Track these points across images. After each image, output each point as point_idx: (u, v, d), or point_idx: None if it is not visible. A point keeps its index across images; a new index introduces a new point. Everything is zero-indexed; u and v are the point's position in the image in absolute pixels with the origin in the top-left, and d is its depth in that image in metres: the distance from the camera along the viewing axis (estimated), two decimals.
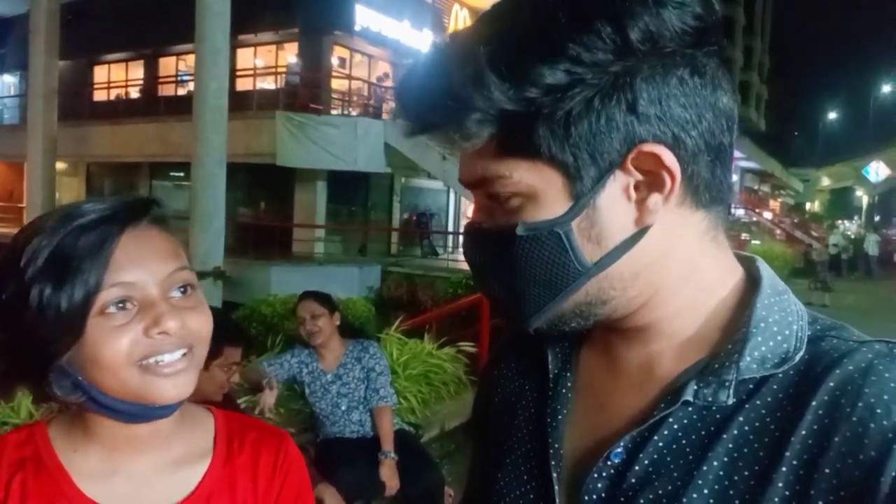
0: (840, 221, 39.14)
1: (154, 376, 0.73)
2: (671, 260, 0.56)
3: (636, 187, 0.54)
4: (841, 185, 48.11)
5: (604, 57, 0.50)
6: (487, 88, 0.51)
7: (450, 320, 6.54)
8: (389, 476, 3.00)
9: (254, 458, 0.87)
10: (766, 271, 0.59)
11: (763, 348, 0.54)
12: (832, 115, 58.50)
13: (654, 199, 0.53)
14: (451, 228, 19.62)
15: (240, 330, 2.74)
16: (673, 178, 0.53)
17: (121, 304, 0.72)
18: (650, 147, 0.52)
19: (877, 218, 42.07)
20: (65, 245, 0.70)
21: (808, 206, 51.07)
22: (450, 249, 17.46)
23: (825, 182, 49.64)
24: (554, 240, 0.54)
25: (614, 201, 0.54)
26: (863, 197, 46.30)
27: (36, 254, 0.70)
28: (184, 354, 0.75)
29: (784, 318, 0.56)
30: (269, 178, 15.25)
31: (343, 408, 3.16)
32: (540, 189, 0.54)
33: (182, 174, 15.69)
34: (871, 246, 21.17)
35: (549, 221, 0.54)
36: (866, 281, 19.78)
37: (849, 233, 29.89)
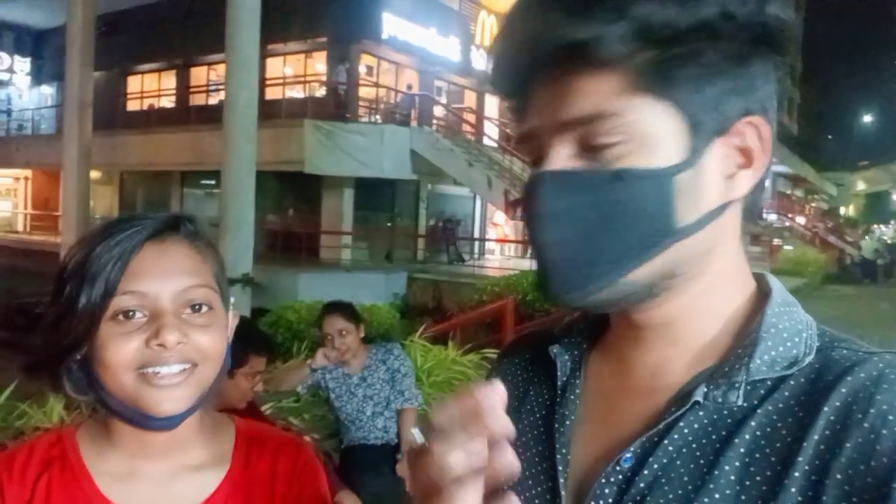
0: (876, 226, 38.28)
1: (148, 386, 0.76)
2: (720, 254, 0.58)
3: (732, 159, 0.55)
4: (876, 189, 47.06)
5: (745, 19, 0.52)
6: (653, 2, 0.50)
7: (474, 327, 6.54)
8: (406, 472, 2.98)
9: (272, 465, 0.89)
10: (775, 284, 0.60)
11: (773, 352, 0.55)
12: (867, 119, 57.34)
13: (745, 174, 0.55)
14: (476, 235, 19.60)
15: (266, 339, 2.78)
16: (766, 155, 0.55)
17: (130, 313, 0.76)
18: (757, 120, 0.54)
19: None
20: (94, 252, 0.77)
21: (842, 210, 50.07)
22: (476, 256, 17.44)
23: (860, 186, 48.60)
24: (657, 190, 0.53)
25: (714, 167, 0.55)
26: None
27: (75, 259, 0.78)
28: (183, 370, 0.77)
29: (794, 326, 0.56)
30: (297, 186, 15.41)
31: (368, 412, 3.17)
32: (658, 135, 0.53)
33: (213, 182, 15.90)
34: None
35: (657, 170, 0.53)
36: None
37: (885, 237, 29.19)
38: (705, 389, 0.55)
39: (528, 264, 13.37)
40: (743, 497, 0.50)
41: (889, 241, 26.09)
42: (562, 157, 0.56)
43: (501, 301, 6.23)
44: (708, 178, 0.54)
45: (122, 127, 18.33)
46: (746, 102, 0.53)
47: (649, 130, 0.53)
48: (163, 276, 0.78)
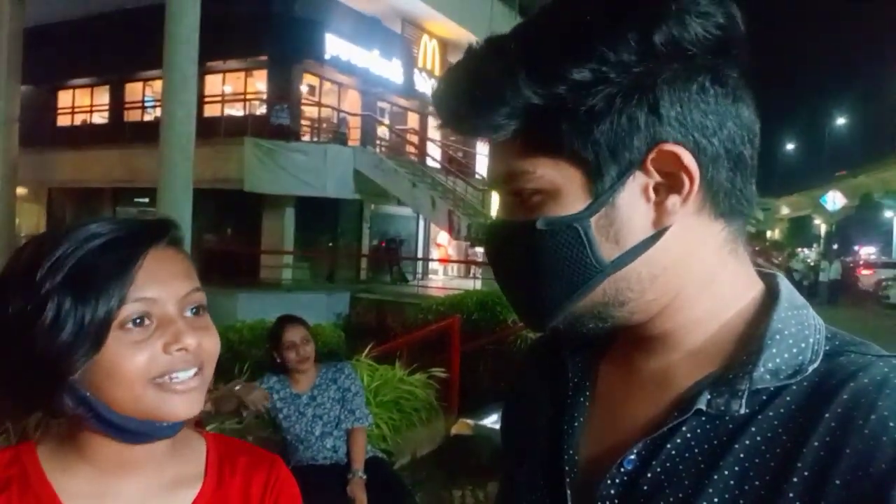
0: (799, 249, 40.04)
1: (168, 392, 0.73)
2: (689, 266, 0.57)
3: (655, 189, 0.55)
4: (799, 213, 49.35)
5: (628, 58, 0.52)
6: (516, 83, 0.53)
7: (420, 346, 6.50)
8: (358, 493, 2.95)
9: (245, 481, 0.87)
10: (784, 286, 0.60)
11: (777, 360, 0.54)
12: (790, 146, 60.25)
13: (673, 200, 0.55)
14: (420, 255, 19.62)
15: None
16: (692, 179, 0.54)
17: (139, 320, 0.73)
18: (670, 147, 0.53)
19: (835, 246, 43.23)
20: (88, 260, 0.71)
21: (768, 234, 52.21)
22: (419, 276, 17.43)
23: (784, 211, 50.88)
24: (572, 235, 0.55)
25: (633, 201, 0.55)
26: (821, 225, 47.54)
27: (55, 267, 0.70)
28: (195, 374, 0.76)
29: (801, 332, 0.56)
30: (236, 205, 15.12)
31: (317, 432, 3.10)
32: (561, 185, 0.55)
33: (146, 200, 15.47)
34: (834, 272, 21.64)
35: (568, 217, 0.55)
36: (827, 307, 20.19)
37: (808, 260, 30.58)
38: (708, 397, 0.55)
39: (472, 284, 13.46)
40: (741, 501, 0.51)
41: (812, 264, 27.31)
42: (502, 207, 0.61)
43: (447, 320, 6.21)
44: (628, 213, 0.55)
45: (51, 143, 17.65)
46: (653, 133, 0.53)
47: (553, 182, 0.56)
48: (166, 282, 0.76)
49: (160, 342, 0.73)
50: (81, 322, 0.69)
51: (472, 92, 0.55)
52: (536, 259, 0.57)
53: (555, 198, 0.56)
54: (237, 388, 3.03)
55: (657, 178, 0.55)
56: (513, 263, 0.60)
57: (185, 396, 0.74)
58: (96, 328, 0.70)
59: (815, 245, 46.88)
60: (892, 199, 35.05)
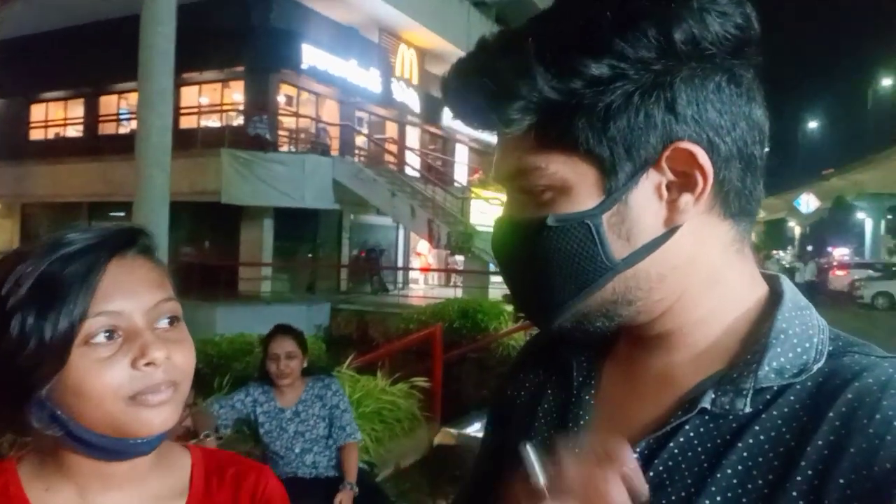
0: (774, 252, 40.58)
1: (140, 406, 0.71)
2: (696, 266, 0.58)
3: (668, 187, 0.55)
4: (774, 216, 50.03)
5: (647, 55, 0.52)
6: (532, 77, 0.53)
7: (402, 356, 6.48)
8: (345, 502, 2.94)
9: (233, 493, 0.85)
10: (788, 287, 0.60)
11: (782, 359, 0.54)
12: (764, 150, 61.11)
13: (686, 199, 0.55)
14: (400, 264, 19.58)
15: None
16: (705, 178, 0.54)
17: (107, 334, 0.70)
18: (686, 145, 0.54)
19: (809, 248, 43.82)
20: (50, 272, 0.69)
21: None
22: (400, 285, 17.39)
23: (759, 214, 51.56)
24: (584, 232, 0.55)
25: (646, 199, 0.55)
26: (795, 228, 48.24)
27: (19, 281, 0.68)
28: (167, 386, 0.73)
29: (805, 332, 0.56)
30: (213, 216, 14.99)
31: (297, 450, 3.07)
32: (574, 182, 0.55)
33: (123, 213, 15.26)
34: (809, 274, 21.96)
35: (580, 213, 0.55)
36: None
37: (784, 262, 30.98)
38: (713, 396, 0.55)
39: (453, 293, 13.45)
40: (744, 499, 0.51)
41: (787, 266, 27.67)
42: (510, 204, 0.61)
43: (429, 329, 6.20)
44: (641, 211, 0.55)
45: (24, 157, 17.40)
46: (668, 130, 0.53)
47: (566, 178, 0.55)
48: (133, 293, 0.73)
49: (128, 357, 0.70)
50: (43, 336, 0.67)
51: (487, 85, 0.55)
52: (546, 256, 0.57)
53: (566, 194, 0.56)
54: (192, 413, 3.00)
55: (670, 176, 0.55)
56: (522, 261, 0.60)
57: (158, 409, 0.71)
58: (59, 343, 0.68)
59: (789, 247, 47.53)
60: (864, 201, 35.65)
